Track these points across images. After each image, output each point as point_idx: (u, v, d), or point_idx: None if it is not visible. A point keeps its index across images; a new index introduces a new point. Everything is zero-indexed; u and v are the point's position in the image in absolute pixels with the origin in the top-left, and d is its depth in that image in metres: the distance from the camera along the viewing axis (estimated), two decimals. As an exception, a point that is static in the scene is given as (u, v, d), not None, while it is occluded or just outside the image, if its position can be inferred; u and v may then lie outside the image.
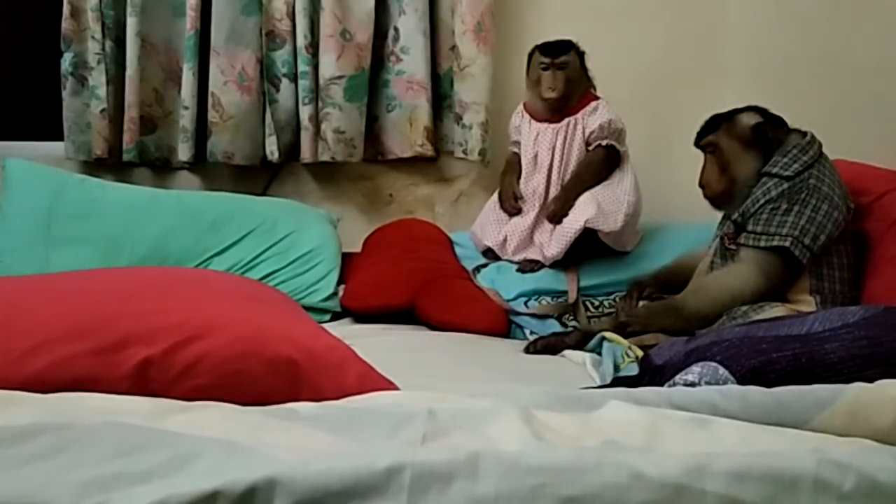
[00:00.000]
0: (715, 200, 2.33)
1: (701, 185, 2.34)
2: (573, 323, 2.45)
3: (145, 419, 1.17)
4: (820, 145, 2.24)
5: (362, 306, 2.52)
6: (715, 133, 2.32)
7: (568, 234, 2.53)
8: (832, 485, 1.08)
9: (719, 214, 2.48)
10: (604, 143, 2.62)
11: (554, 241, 2.56)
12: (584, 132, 2.62)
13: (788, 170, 2.19)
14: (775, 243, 2.13)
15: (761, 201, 2.19)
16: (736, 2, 3.15)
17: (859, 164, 2.31)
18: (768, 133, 2.26)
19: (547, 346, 2.26)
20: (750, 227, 2.18)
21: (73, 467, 1.04)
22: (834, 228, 2.16)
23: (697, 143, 2.35)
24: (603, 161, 2.63)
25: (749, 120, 2.28)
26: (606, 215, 2.54)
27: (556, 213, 2.58)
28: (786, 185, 2.18)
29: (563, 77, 2.63)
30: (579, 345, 2.24)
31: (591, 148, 2.63)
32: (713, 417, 1.24)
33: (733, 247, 2.23)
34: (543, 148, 2.65)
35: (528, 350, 2.27)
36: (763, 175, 2.23)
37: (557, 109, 2.65)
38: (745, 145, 2.27)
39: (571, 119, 2.64)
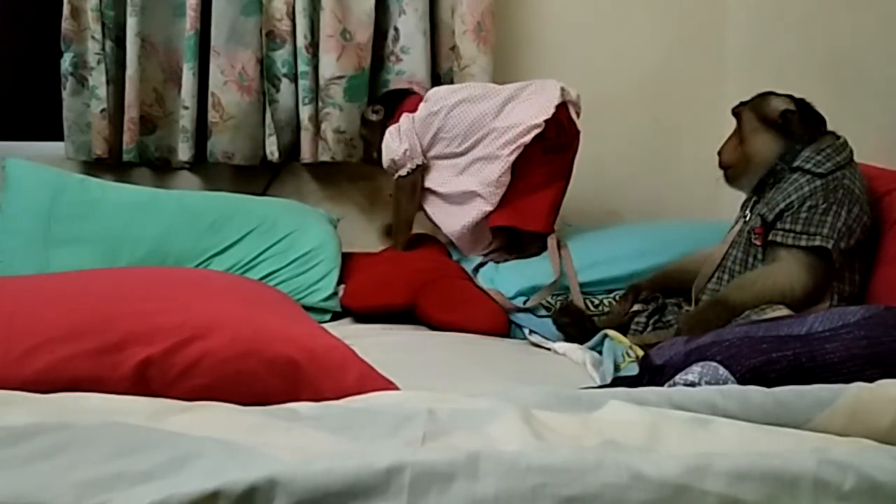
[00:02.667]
0: (726, 172, 2.36)
1: (718, 153, 2.38)
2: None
3: (145, 419, 1.17)
4: (852, 150, 2.24)
5: (362, 306, 2.52)
6: (744, 105, 2.35)
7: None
8: (832, 485, 1.08)
9: (718, 214, 2.48)
10: (397, 176, 2.73)
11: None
12: None
13: (821, 167, 2.18)
14: (817, 243, 2.11)
15: (793, 197, 2.17)
16: (736, 2, 3.15)
17: (859, 165, 2.30)
18: (793, 123, 2.25)
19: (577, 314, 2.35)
20: (788, 226, 2.15)
21: (73, 467, 1.04)
22: (861, 233, 2.16)
23: (733, 113, 2.39)
24: (399, 193, 2.75)
25: (780, 104, 2.28)
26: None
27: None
28: (818, 183, 2.16)
29: (369, 141, 2.88)
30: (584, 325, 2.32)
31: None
32: (713, 417, 1.24)
33: (759, 243, 2.22)
34: None
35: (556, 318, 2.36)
36: (795, 170, 2.20)
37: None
38: (766, 125, 2.28)
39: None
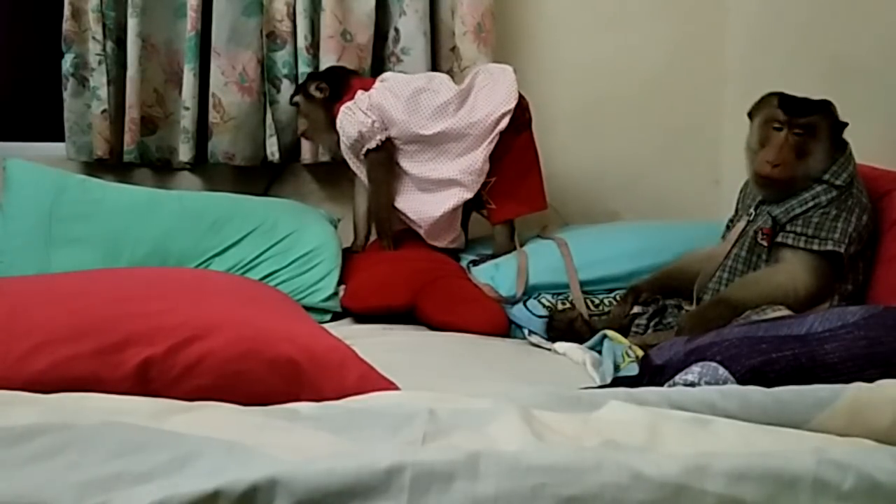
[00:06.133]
0: (778, 183, 2.19)
1: (774, 164, 2.18)
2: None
3: (146, 419, 1.17)
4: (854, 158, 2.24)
5: (362, 306, 2.52)
6: (817, 116, 2.18)
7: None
8: (832, 484, 1.08)
9: (718, 214, 2.48)
10: (362, 155, 2.70)
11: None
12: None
13: (839, 179, 2.17)
14: (829, 247, 2.11)
15: (810, 204, 2.16)
16: (736, 3, 3.15)
17: (860, 165, 2.30)
18: (842, 135, 2.22)
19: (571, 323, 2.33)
20: (799, 229, 2.15)
21: (75, 467, 1.04)
22: (867, 238, 2.17)
23: (793, 117, 2.19)
24: (374, 167, 2.70)
25: (838, 116, 2.22)
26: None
27: (384, 247, 2.74)
28: (835, 193, 2.16)
29: (303, 119, 2.82)
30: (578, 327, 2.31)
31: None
32: (713, 417, 1.25)
33: (766, 243, 2.21)
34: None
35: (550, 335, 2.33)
36: (813, 179, 2.18)
37: (324, 142, 2.86)
38: (832, 141, 2.20)
39: (340, 139, 2.73)
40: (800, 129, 2.19)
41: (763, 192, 2.26)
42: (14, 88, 3.21)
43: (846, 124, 2.23)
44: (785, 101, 2.22)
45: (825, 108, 2.21)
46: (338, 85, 2.76)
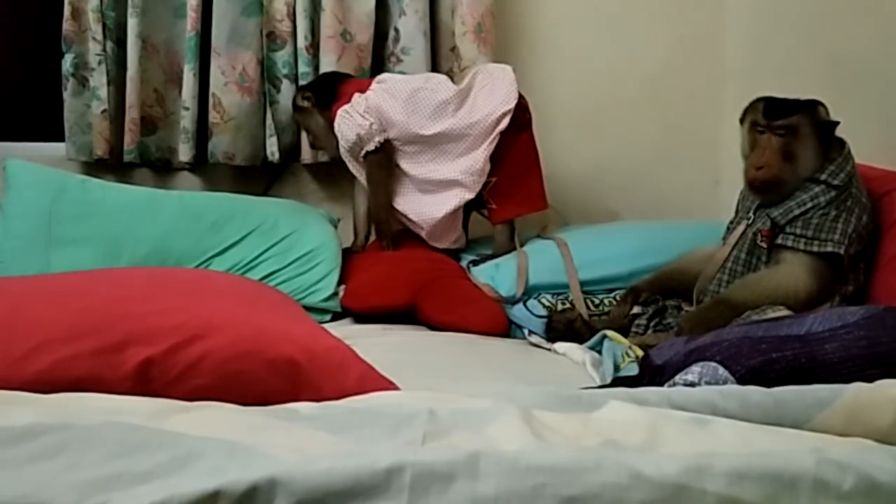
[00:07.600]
0: (766, 185, 2.20)
1: (758, 167, 2.20)
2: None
3: (146, 419, 1.17)
4: (853, 157, 2.23)
5: (362, 306, 2.52)
6: (797, 117, 2.19)
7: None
8: (832, 484, 1.08)
9: (718, 214, 2.48)
10: (361, 157, 2.70)
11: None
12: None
13: (836, 178, 2.17)
14: (829, 249, 2.11)
15: (808, 205, 2.16)
16: (736, 2, 3.15)
17: (859, 165, 2.30)
18: (833, 134, 2.21)
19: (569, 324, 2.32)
20: (799, 231, 2.15)
21: (74, 467, 1.04)
22: (867, 238, 2.17)
23: (771, 119, 2.20)
24: (373, 169, 2.71)
25: (826, 115, 2.21)
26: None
27: (384, 247, 2.74)
28: (833, 194, 2.15)
29: (306, 131, 2.88)
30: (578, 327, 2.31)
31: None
32: (713, 417, 1.25)
33: (765, 245, 2.21)
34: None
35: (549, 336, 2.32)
36: (810, 181, 2.18)
37: (332, 149, 2.82)
38: (818, 140, 2.20)
39: (339, 143, 2.74)
40: (781, 130, 2.19)
41: (757, 196, 2.27)
42: (14, 88, 3.21)
43: (836, 123, 2.21)
44: (768, 105, 2.23)
45: (807, 107, 2.21)
46: (327, 90, 2.77)
